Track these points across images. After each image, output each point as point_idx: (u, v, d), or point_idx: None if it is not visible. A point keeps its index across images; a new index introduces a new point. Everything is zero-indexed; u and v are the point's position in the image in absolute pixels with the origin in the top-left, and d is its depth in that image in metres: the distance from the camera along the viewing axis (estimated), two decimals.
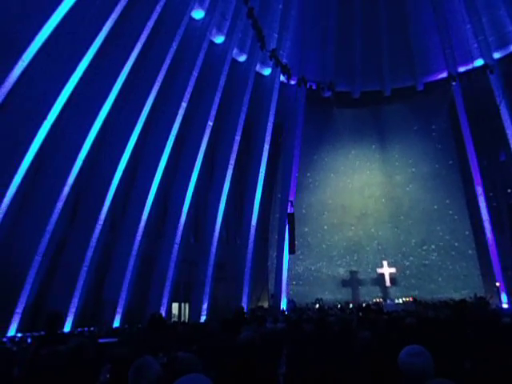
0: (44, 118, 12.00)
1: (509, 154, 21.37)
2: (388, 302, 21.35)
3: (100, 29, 13.01)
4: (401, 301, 21.35)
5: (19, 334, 11.49)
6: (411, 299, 21.02)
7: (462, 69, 22.90)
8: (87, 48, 12.91)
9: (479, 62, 22.03)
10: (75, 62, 12.72)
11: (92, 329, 12.74)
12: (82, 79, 13.04)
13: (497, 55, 21.60)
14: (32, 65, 11.52)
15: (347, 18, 23.59)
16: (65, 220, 14.76)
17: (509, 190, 22.32)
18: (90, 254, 14.14)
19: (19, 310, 12.02)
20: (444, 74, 23.60)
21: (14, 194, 11.76)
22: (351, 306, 21.30)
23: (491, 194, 22.49)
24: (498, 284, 20.33)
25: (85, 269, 13.97)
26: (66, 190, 13.10)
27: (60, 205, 12.94)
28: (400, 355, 2.33)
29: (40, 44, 11.56)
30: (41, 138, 12.08)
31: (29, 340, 9.74)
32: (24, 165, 11.77)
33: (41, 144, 12.18)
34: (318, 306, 21.55)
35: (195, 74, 17.52)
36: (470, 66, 22.34)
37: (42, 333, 10.22)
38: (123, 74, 14.36)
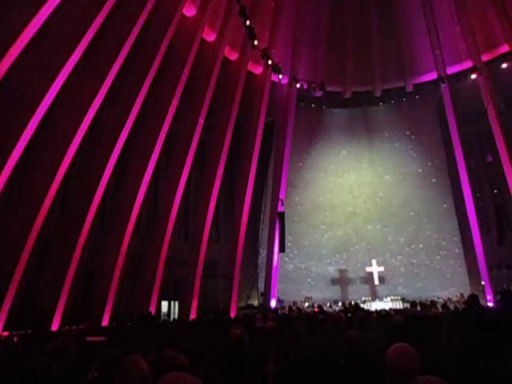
0: (32, 113, 11.82)
1: (496, 155, 21.74)
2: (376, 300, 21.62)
3: (90, 24, 12.85)
4: (389, 299, 21.59)
5: (5, 333, 11.33)
6: (399, 298, 21.30)
7: (451, 70, 23.23)
8: (77, 43, 12.73)
9: (468, 64, 22.35)
10: (65, 56, 12.53)
11: (80, 327, 12.61)
12: (71, 74, 12.86)
13: (485, 57, 21.93)
14: (20, 59, 11.34)
15: (338, 18, 23.72)
16: (53, 217, 14.59)
17: (495, 191, 22.70)
18: (78, 251, 13.98)
19: (5, 308, 11.85)
20: (433, 76, 23.89)
21: (1, 190, 11.57)
22: (340, 304, 21.48)
23: (478, 195, 22.85)
24: (483, 283, 20.69)
25: (73, 266, 13.82)
26: (55, 186, 12.93)
27: (48, 202, 12.77)
28: (387, 353, 2.37)
29: (29, 38, 11.37)
30: (29, 134, 11.90)
31: (15, 339, 9.61)
32: (11, 161, 11.59)
33: (29, 140, 12.00)
34: (307, 304, 21.70)
35: (186, 71, 17.42)
36: (458, 68, 22.67)
37: (29, 331, 10.13)
38: (113, 70, 14.21)
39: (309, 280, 23.68)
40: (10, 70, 11.15)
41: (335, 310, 18.87)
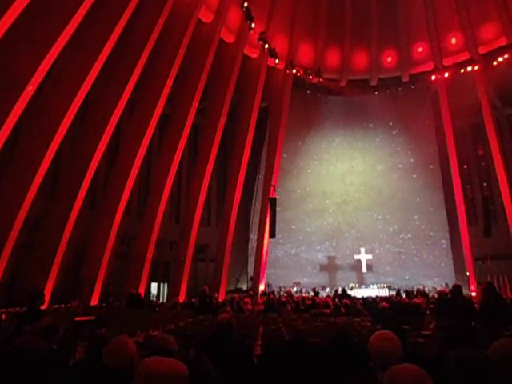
0: (23, 89, 11.56)
1: (487, 148, 21.94)
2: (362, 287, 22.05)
3: (83, 1, 12.48)
4: (375, 286, 22.00)
5: None
6: (385, 286, 21.73)
7: (447, 62, 23.17)
8: (69, 19, 12.39)
9: (464, 56, 22.31)
10: (56, 33, 12.21)
11: (69, 306, 12.68)
12: (63, 52, 12.56)
13: (482, 50, 21.88)
14: (9, 34, 11.02)
15: (337, 4, 23.37)
16: (43, 195, 14.47)
17: (484, 184, 22.99)
18: (68, 230, 13.93)
19: None
20: (429, 67, 23.82)
21: None
22: (327, 290, 21.83)
23: (467, 187, 23.13)
24: (468, 273, 21.12)
25: (63, 245, 13.78)
26: (45, 164, 12.77)
27: (38, 180, 12.63)
28: (371, 339, 2.42)
29: (18, 14, 11.03)
30: (19, 112, 11.67)
31: (3, 316, 9.64)
32: (1, 137, 11.39)
33: (19, 118, 11.77)
34: (295, 289, 21.99)
35: (181, 52, 17.11)
36: (455, 60, 22.62)
37: (17, 309, 10.15)
38: (107, 49, 13.90)
39: (298, 266, 23.94)
40: (1, 45, 10.85)
41: (322, 296, 19.18)
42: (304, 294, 20.16)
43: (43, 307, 12.43)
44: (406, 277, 22.49)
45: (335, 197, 25.14)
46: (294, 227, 24.53)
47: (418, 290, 19.48)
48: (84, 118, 15.57)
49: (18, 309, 10.42)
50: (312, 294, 19.75)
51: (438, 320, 6.75)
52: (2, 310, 10.58)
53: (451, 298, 6.88)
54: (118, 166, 16.76)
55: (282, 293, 21.03)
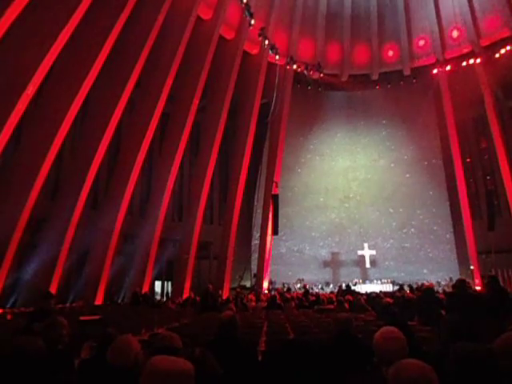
0: (23, 89, 11.57)
1: (490, 141, 21.81)
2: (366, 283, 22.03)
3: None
4: (379, 282, 21.98)
5: None
6: (389, 281, 21.70)
7: (448, 55, 23.01)
8: (69, 17, 12.37)
9: (466, 49, 22.15)
10: (56, 32, 12.19)
11: (74, 305, 12.74)
12: (63, 51, 12.55)
13: (483, 42, 21.71)
14: (9, 34, 11.02)
15: None
16: (46, 196, 14.52)
17: (488, 177, 22.88)
18: (71, 230, 13.97)
19: None
20: (431, 60, 23.67)
21: None
22: (331, 286, 21.81)
23: (471, 180, 23.02)
24: (472, 268, 21.05)
25: (66, 245, 13.83)
26: (47, 165, 12.80)
27: (41, 180, 12.66)
28: (375, 336, 2.41)
29: (18, 12, 11.02)
30: (20, 111, 11.68)
31: (8, 316, 9.69)
32: (2, 138, 11.41)
33: (20, 117, 11.78)
34: (299, 285, 21.99)
35: (181, 49, 17.07)
36: (457, 52, 22.46)
37: (22, 309, 10.21)
38: (107, 47, 13.88)
39: (301, 262, 23.93)
40: (2, 45, 10.85)
41: (326, 292, 19.17)
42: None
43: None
44: (410, 272, 22.43)
45: (338, 192, 25.09)
46: (296, 224, 24.51)
47: (422, 284, 19.42)
48: (85, 117, 15.59)
49: (23, 309, 10.49)
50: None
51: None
52: (7, 309, 10.65)
53: (454, 293, 6.85)
54: (119, 165, 16.78)
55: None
